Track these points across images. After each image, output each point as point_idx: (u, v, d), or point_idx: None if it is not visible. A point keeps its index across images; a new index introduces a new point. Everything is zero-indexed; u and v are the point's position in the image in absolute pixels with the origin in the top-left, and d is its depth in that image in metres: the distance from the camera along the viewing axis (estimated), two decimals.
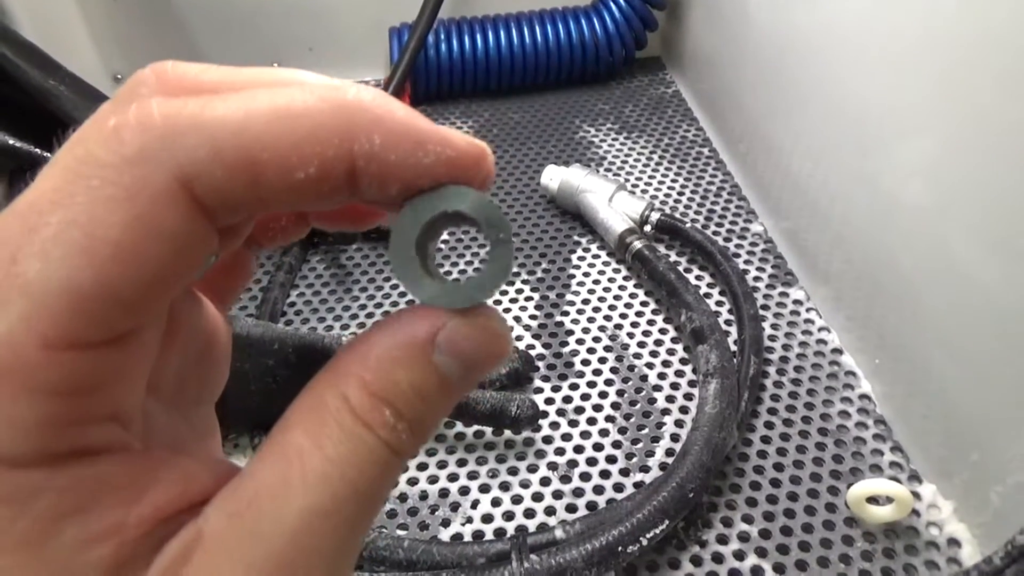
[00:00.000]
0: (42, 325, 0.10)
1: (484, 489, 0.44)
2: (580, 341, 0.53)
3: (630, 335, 0.53)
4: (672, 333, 0.53)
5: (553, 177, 0.63)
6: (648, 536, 0.38)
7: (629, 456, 0.46)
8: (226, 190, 0.11)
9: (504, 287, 0.57)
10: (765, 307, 0.55)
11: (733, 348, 0.51)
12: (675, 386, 0.50)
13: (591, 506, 0.43)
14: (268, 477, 0.12)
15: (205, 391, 0.17)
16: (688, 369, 0.51)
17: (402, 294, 0.57)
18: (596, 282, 0.58)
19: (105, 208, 0.10)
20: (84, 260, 0.10)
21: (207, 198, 0.11)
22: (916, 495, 0.42)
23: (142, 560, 0.11)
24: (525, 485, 0.44)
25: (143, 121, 0.11)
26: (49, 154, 0.61)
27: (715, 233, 0.61)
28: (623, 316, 0.55)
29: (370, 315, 0.56)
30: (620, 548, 0.37)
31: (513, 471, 0.45)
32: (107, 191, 0.10)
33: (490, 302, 0.14)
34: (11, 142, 0.58)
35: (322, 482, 0.12)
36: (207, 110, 0.11)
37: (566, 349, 0.52)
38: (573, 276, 0.58)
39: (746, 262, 0.59)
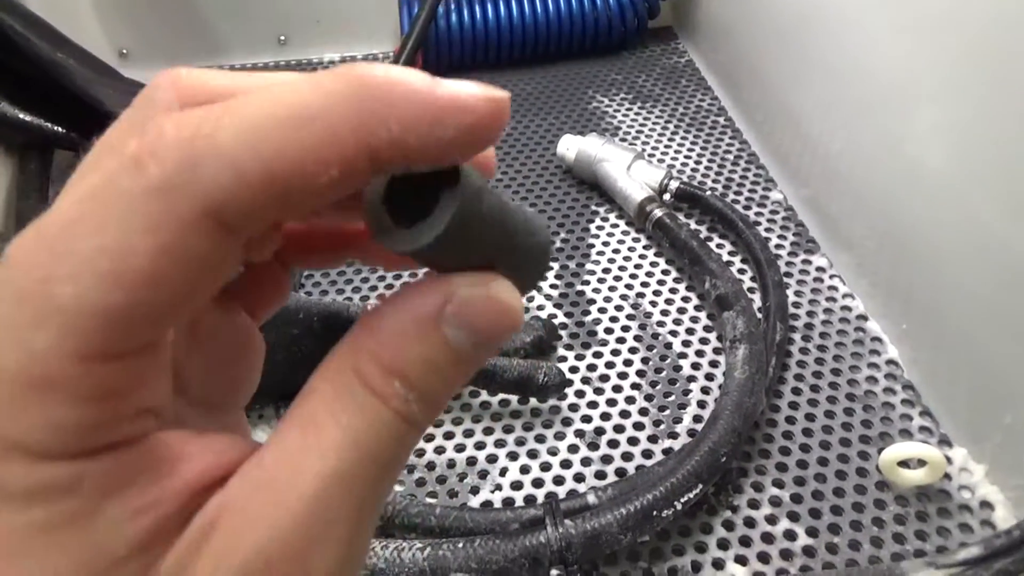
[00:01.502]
0: (77, 342, 0.11)
1: (512, 457, 0.44)
2: (602, 310, 0.53)
3: (652, 303, 0.53)
4: (695, 301, 0.53)
5: (570, 147, 0.63)
6: (682, 500, 0.38)
7: (657, 423, 0.45)
8: (252, 209, 0.11)
9: None
10: (788, 274, 0.54)
11: (757, 315, 0.50)
12: (700, 353, 0.49)
13: (620, 472, 0.43)
14: (286, 447, 0.12)
15: (232, 395, 0.17)
16: (712, 336, 0.50)
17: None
18: (616, 251, 0.57)
19: (133, 238, 0.11)
20: (114, 285, 0.11)
21: (233, 220, 0.11)
22: (947, 459, 0.42)
23: (175, 531, 0.12)
24: (553, 452, 0.44)
25: (159, 150, 0.11)
26: (60, 129, 0.60)
27: (734, 201, 0.61)
28: (644, 284, 0.54)
29: (389, 286, 0.55)
30: (655, 512, 0.37)
31: (540, 439, 0.45)
32: (134, 222, 0.11)
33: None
34: (21, 116, 0.57)
35: (337, 450, 0.12)
36: (221, 129, 0.11)
37: (588, 318, 0.52)
38: (592, 245, 0.58)
39: (767, 230, 0.58)
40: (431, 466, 0.44)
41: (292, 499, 0.12)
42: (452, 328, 0.13)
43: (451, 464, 0.44)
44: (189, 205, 0.11)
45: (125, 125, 0.13)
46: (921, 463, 0.40)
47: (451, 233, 0.13)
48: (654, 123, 0.70)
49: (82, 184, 0.12)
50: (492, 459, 0.44)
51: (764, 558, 0.39)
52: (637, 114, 0.71)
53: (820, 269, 0.55)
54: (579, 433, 0.45)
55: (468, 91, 0.12)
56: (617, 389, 0.47)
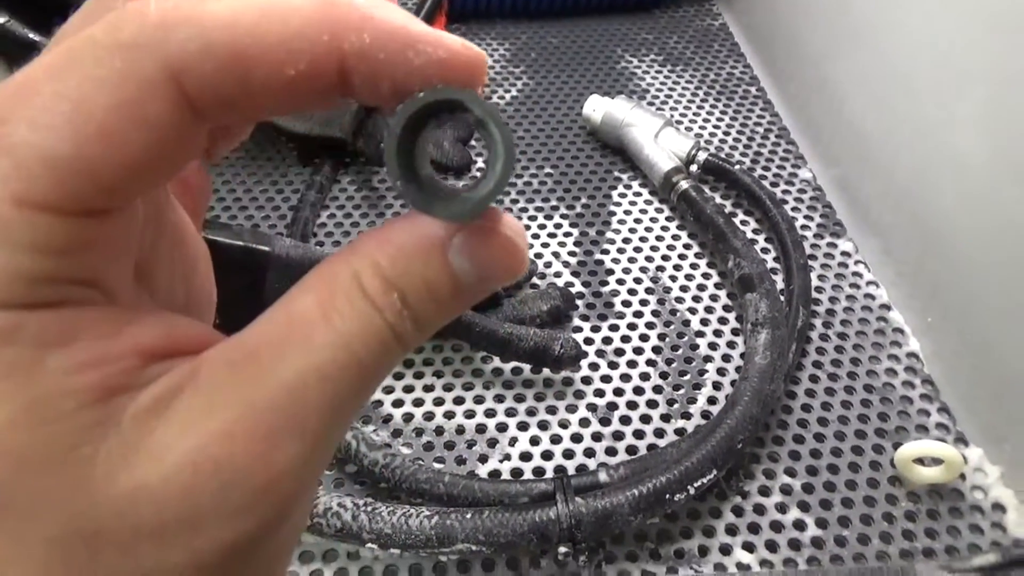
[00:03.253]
0: (18, 185, 0.11)
1: (522, 427, 0.43)
2: (620, 281, 0.51)
3: (672, 278, 0.52)
4: (716, 279, 0.52)
5: (596, 108, 0.61)
6: (696, 485, 0.37)
7: (670, 402, 0.45)
8: (215, 85, 0.11)
9: (542, 219, 0.55)
10: (812, 257, 0.53)
11: (781, 299, 0.49)
12: (718, 333, 0.48)
13: (631, 450, 0.42)
14: (272, 335, 0.12)
15: (196, 303, 0.17)
16: (731, 317, 0.49)
17: None
18: (638, 221, 0.56)
19: (95, 88, 0.11)
20: (67, 132, 0.11)
21: (196, 93, 0.11)
22: (963, 458, 0.41)
23: (130, 391, 0.12)
24: (564, 425, 0.43)
25: (140, 11, 0.11)
26: None
27: (761, 177, 0.59)
28: (665, 258, 0.53)
29: None
30: (667, 495, 0.36)
31: (552, 410, 0.44)
32: (99, 72, 0.11)
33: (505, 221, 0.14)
34: (30, 35, 0.55)
35: (325, 348, 0.12)
36: (200, 6, 0.11)
37: (606, 289, 0.51)
38: (614, 213, 0.56)
39: (793, 209, 0.57)
40: (439, 431, 0.43)
41: (271, 383, 0.12)
42: (459, 257, 0.13)
43: (460, 430, 0.43)
44: (153, 63, 0.11)
45: (95, 6, 0.13)
46: (936, 461, 0.40)
47: (495, 193, 0.13)
48: (684, 88, 0.68)
49: (61, 40, 0.12)
50: (502, 428, 0.43)
51: (772, 546, 0.38)
52: (667, 78, 0.69)
53: (845, 254, 0.54)
54: (591, 407, 0.44)
55: (448, 35, 0.13)
56: (632, 364, 0.47)
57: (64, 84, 0.11)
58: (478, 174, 0.57)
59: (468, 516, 0.36)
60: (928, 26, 0.47)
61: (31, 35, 0.55)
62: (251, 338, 0.12)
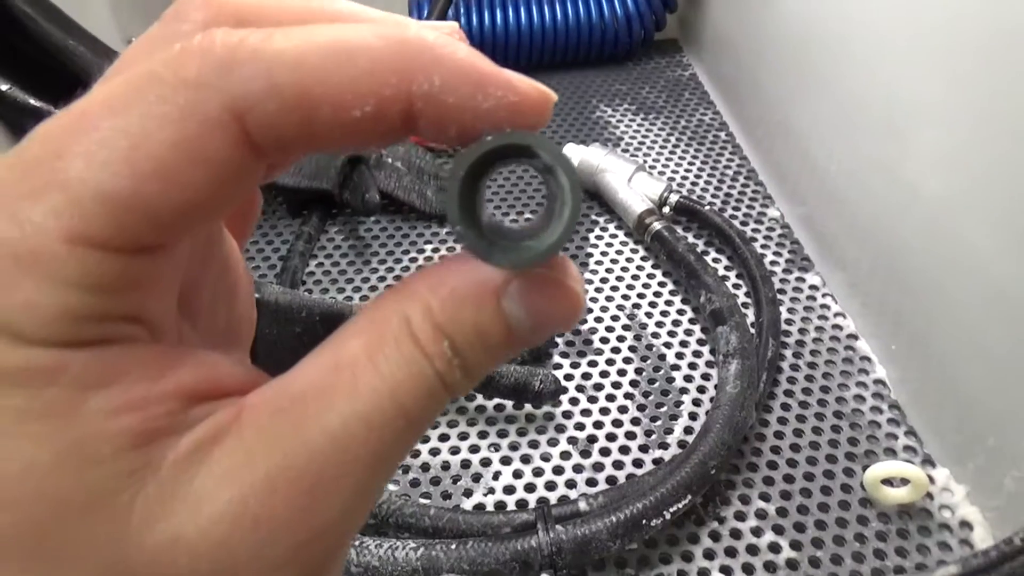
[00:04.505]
0: (72, 221, 0.10)
1: (505, 461, 0.45)
2: (598, 319, 0.54)
3: (648, 315, 0.54)
4: (689, 314, 0.54)
5: (572, 155, 0.63)
6: (671, 510, 0.39)
7: (648, 433, 0.46)
8: (278, 125, 0.11)
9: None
10: (782, 291, 0.55)
11: (751, 331, 0.51)
12: (693, 366, 0.50)
13: (611, 480, 0.44)
14: (318, 379, 0.12)
15: (235, 331, 0.17)
16: (705, 350, 0.51)
17: (420, 266, 0.58)
18: (614, 261, 0.58)
19: (156, 124, 0.11)
20: (125, 169, 0.10)
21: (258, 132, 0.11)
22: (930, 479, 0.43)
23: (171, 436, 0.11)
24: (546, 458, 0.45)
25: (205, 48, 0.11)
26: None
27: (732, 217, 0.62)
28: (641, 296, 0.55)
29: (388, 286, 0.56)
30: (644, 521, 0.38)
31: (534, 444, 0.46)
32: (161, 108, 0.11)
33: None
34: (31, 101, 0.58)
35: (372, 396, 0.12)
36: (267, 43, 0.11)
37: (584, 327, 0.53)
38: (591, 255, 0.59)
39: (763, 246, 0.59)
40: (425, 467, 0.44)
41: (315, 432, 0.11)
42: (513, 304, 0.13)
43: (446, 466, 0.44)
44: (216, 102, 0.11)
45: (159, 36, 0.13)
46: (904, 481, 0.41)
47: (564, 238, 0.12)
48: (656, 135, 0.71)
49: (120, 73, 0.12)
50: (486, 463, 0.45)
51: (748, 569, 0.40)
52: (640, 125, 0.72)
53: (813, 287, 0.56)
54: (572, 440, 0.46)
55: (517, 75, 0.12)
56: (610, 398, 0.48)
57: (124, 120, 0.11)
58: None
59: (453, 547, 0.37)
60: (881, 70, 0.51)
61: (33, 102, 0.58)
62: (296, 382, 0.12)
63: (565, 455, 0.45)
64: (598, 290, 0.56)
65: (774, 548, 0.40)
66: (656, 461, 0.45)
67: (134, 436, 0.11)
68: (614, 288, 0.56)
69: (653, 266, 0.58)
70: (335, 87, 0.11)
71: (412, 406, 0.12)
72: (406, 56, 0.12)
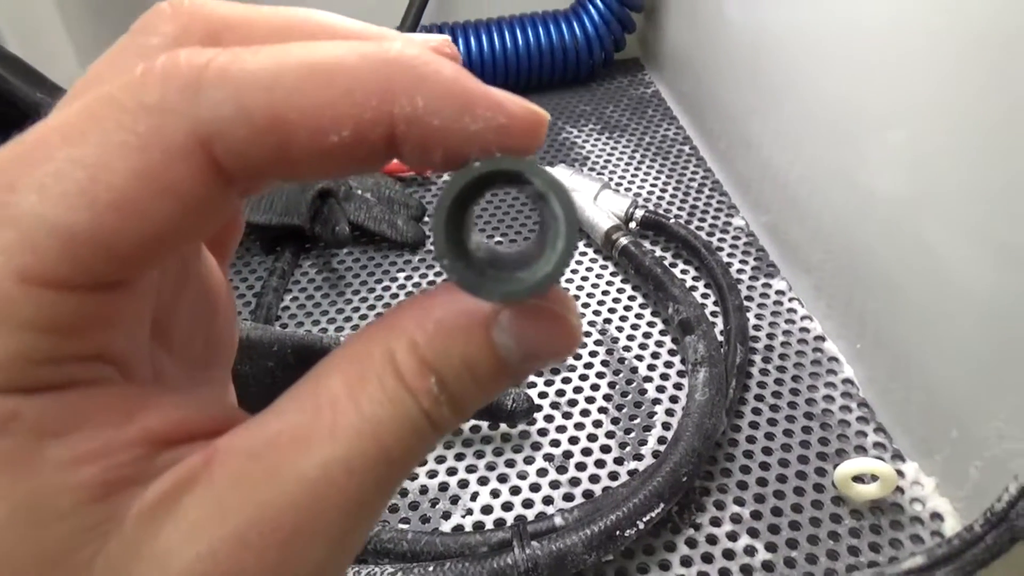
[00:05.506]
0: (23, 259, 0.10)
1: (482, 482, 0.45)
2: None
3: (619, 328, 0.55)
4: (660, 325, 0.55)
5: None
6: (644, 520, 0.39)
7: (623, 445, 0.47)
8: (249, 152, 0.10)
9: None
10: (749, 298, 0.56)
11: (720, 338, 0.52)
12: (665, 376, 0.51)
13: (588, 494, 0.44)
14: (295, 420, 0.11)
15: (215, 351, 0.16)
16: (676, 360, 0.52)
17: (394, 295, 0.58)
18: (584, 278, 0.59)
19: (115, 153, 0.10)
20: (82, 202, 0.10)
21: (227, 159, 0.10)
22: (900, 473, 0.44)
23: (136, 485, 0.11)
24: (522, 476, 0.45)
25: (168, 70, 0.10)
26: None
27: (698, 228, 0.63)
28: (611, 311, 0.56)
29: (363, 317, 0.57)
30: (618, 532, 0.38)
31: (510, 463, 0.46)
32: (120, 136, 0.10)
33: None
34: None
35: (353, 438, 0.11)
36: (236, 64, 0.10)
37: None
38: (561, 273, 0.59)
39: (729, 255, 0.60)
40: (403, 492, 0.45)
41: (291, 477, 0.11)
42: (504, 335, 0.12)
43: (423, 490, 0.45)
44: (182, 129, 0.10)
45: (124, 51, 0.12)
46: (874, 478, 0.42)
47: (559, 272, 0.12)
48: (621, 152, 0.72)
49: (78, 98, 0.11)
50: (463, 484, 0.45)
51: (725, 574, 0.40)
52: (605, 144, 0.74)
53: (780, 292, 0.57)
54: (548, 457, 0.46)
55: (507, 94, 0.12)
56: (585, 413, 0.49)
57: (80, 149, 0.10)
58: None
59: (431, 569, 0.37)
60: (826, 79, 0.52)
61: None
62: (272, 424, 0.11)
63: (542, 472, 0.46)
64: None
65: (749, 551, 0.41)
66: (632, 472, 0.45)
67: (96, 488, 0.10)
68: (585, 305, 0.57)
69: (622, 281, 0.59)
70: (311, 110, 0.10)
71: (396, 447, 0.11)
72: (387, 76, 0.11)
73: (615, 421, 0.48)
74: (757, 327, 0.54)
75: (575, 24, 0.79)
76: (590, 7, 0.79)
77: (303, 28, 0.12)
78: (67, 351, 0.10)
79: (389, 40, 0.12)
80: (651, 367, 0.52)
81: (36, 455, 0.10)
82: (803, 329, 0.54)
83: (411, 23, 0.72)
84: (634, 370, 0.52)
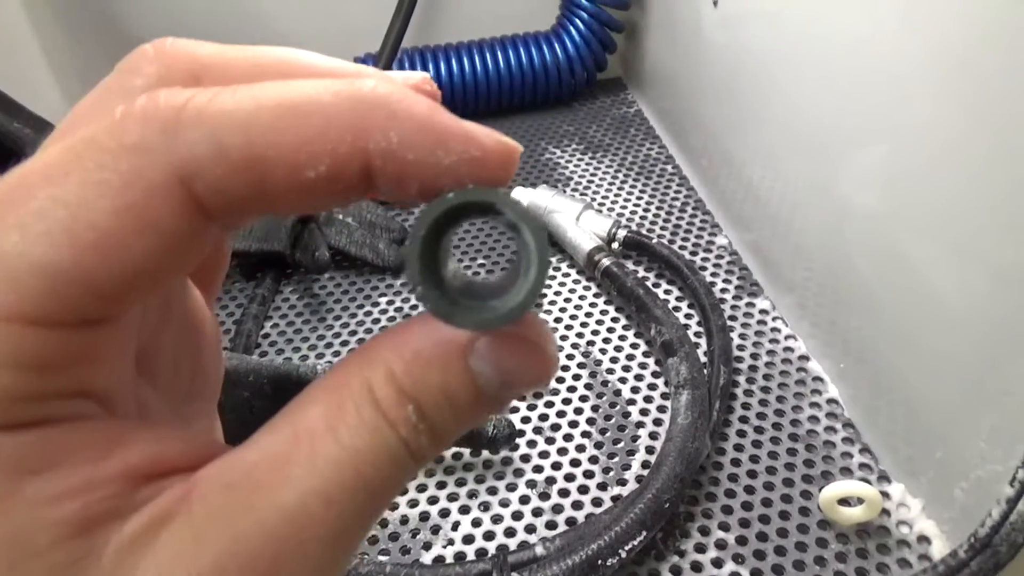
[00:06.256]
0: (6, 298, 0.10)
1: (464, 510, 0.44)
2: None
3: (602, 351, 0.54)
4: (643, 347, 0.54)
5: (521, 199, 0.64)
6: (627, 548, 0.38)
7: (606, 470, 0.46)
8: (228, 189, 0.11)
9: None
10: (733, 317, 0.56)
11: (703, 359, 0.52)
12: (648, 399, 0.51)
13: (571, 521, 0.44)
14: (273, 451, 0.11)
15: (200, 384, 0.16)
16: (660, 382, 0.52)
17: (376, 320, 0.58)
18: (567, 300, 0.59)
19: (96, 192, 0.10)
20: (64, 240, 0.10)
21: (207, 196, 0.11)
22: (886, 495, 0.43)
23: (115, 520, 0.11)
24: (505, 504, 0.45)
25: (148, 111, 0.11)
26: None
27: (681, 247, 0.63)
28: (595, 332, 0.56)
29: (344, 343, 0.56)
30: (600, 562, 0.38)
31: (492, 491, 0.45)
32: (102, 175, 0.10)
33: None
34: None
35: (331, 468, 0.11)
36: (213, 104, 0.11)
37: None
38: (543, 295, 0.59)
39: (712, 274, 0.60)
40: (383, 523, 0.44)
41: (267, 508, 0.11)
42: (481, 363, 0.12)
43: (404, 520, 0.44)
44: (161, 168, 0.10)
45: (108, 92, 0.13)
46: (860, 500, 0.42)
47: (528, 303, 0.12)
48: (604, 172, 0.72)
49: (60, 139, 0.11)
50: (445, 513, 0.44)
51: None
52: (588, 164, 0.74)
53: (763, 312, 0.57)
54: (530, 484, 0.46)
55: (479, 127, 0.12)
56: (568, 438, 0.48)
57: (62, 188, 0.10)
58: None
59: None
60: (800, 96, 0.52)
61: None
62: (250, 456, 0.11)
63: (524, 499, 0.45)
64: (552, 329, 0.56)
65: None
66: (615, 498, 0.45)
67: (75, 524, 0.10)
68: (568, 327, 0.56)
69: (605, 302, 0.58)
70: (286, 147, 0.11)
71: (375, 477, 0.11)
72: (361, 112, 0.11)
73: (598, 445, 0.48)
74: (741, 347, 0.54)
75: (556, 45, 0.79)
76: (571, 28, 0.79)
77: (280, 67, 0.13)
78: (48, 388, 0.10)
79: (364, 77, 0.12)
80: (635, 389, 0.51)
81: (14, 493, 0.10)
82: (787, 349, 0.53)
83: (391, 46, 0.72)
84: (617, 393, 0.51)
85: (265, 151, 0.11)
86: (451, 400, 0.12)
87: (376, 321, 0.58)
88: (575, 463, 0.47)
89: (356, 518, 0.11)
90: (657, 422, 0.49)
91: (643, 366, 0.53)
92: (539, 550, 0.40)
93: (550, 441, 0.48)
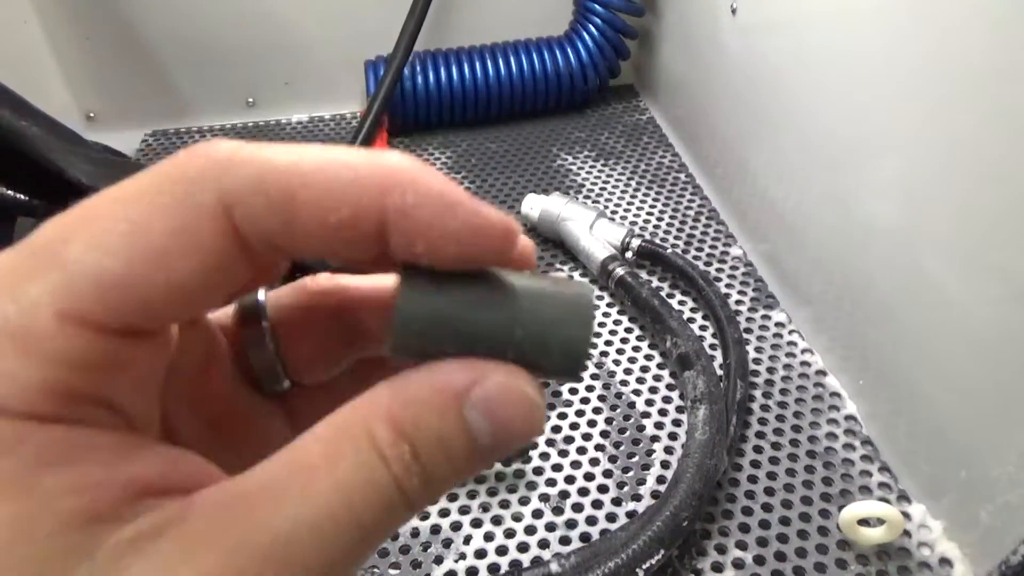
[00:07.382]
0: (65, 300, 0.11)
1: (476, 524, 0.44)
2: None
3: (616, 362, 0.53)
4: (657, 359, 0.54)
5: (533, 206, 0.64)
6: (644, 567, 0.38)
7: (621, 485, 0.45)
8: (262, 220, 0.12)
9: None
10: (748, 330, 0.55)
11: (718, 372, 0.51)
12: (663, 412, 0.50)
13: (585, 537, 0.43)
14: (270, 480, 0.12)
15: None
16: (675, 395, 0.51)
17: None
18: None
19: (157, 213, 0.12)
20: (122, 252, 0.11)
21: (244, 225, 0.12)
22: (906, 515, 0.42)
23: (116, 522, 0.11)
24: (517, 518, 0.44)
25: (210, 150, 0.12)
26: (22, 197, 0.60)
27: (695, 258, 0.62)
28: (608, 343, 0.55)
29: None
30: None
31: (504, 504, 0.45)
32: (162, 199, 0.12)
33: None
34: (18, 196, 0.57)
35: (323, 500, 0.12)
36: (263, 150, 0.13)
37: None
38: None
39: (727, 286, 0.59)
40: (394, 536, 0.43)
41: (259, 530, 0.11)
42: (475, 413, 0.13)
43: (415, 533, 0.43)
44: (209, 193, 0.12)
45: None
46: (880, 521, 0.41)
47: (401, 341, 0.13)
48: (617, 180, 0.72)
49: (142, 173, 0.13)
50: (456, 527, 0.44)
51: None
52: (600, 171, 0.73)
53: (779, 324, 0.56)
54: (543, 497, 0.45)
55: (487, 205, 0.13)
56: (581, 451, 0.47)
57: (127, 209, 0.12)
58: None
59: None
60: (820, 108, 0.51)
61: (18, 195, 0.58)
62: (247, 482, 0.12)
63: (537, 513, 0.44)
64: None
65: None
66: (630, 514, 0.44)
67: (77, 516, 0.11)
68: None
69: (619, 312, 0.57)
70: (317, 190, 0.12)
71: (366, 513, 0.12)
72: (385, 175, 0.13)
73: (613, 459, 0.47)
74: (757, 361, 0.53)
75: (569, 50, 0.78)
76: (584, 33, 0.78)
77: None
78: (83, 388, 0.11)
79: (390, 155, 0.13)
80: (649, 402, 0.50)
81: (32, 479, 0.11)
82: (804, 363, 0.53)
83: (404, 49, 0.71)
84: (631, 405, 0.50)
85: (299, 191, 0.12)
86: (445, 448, 0.12)
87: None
88: (589, 477, 0.46)
89: (344, 553, 0.12)
90: (672, 436, 0.48)
91: (658, 378, 0.52)
92: (554, 567, 0.39)
93: (563, 454, 0.47)
